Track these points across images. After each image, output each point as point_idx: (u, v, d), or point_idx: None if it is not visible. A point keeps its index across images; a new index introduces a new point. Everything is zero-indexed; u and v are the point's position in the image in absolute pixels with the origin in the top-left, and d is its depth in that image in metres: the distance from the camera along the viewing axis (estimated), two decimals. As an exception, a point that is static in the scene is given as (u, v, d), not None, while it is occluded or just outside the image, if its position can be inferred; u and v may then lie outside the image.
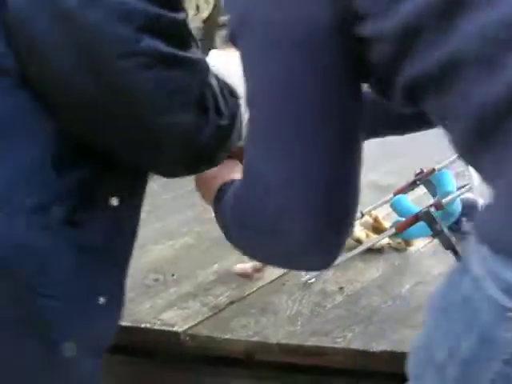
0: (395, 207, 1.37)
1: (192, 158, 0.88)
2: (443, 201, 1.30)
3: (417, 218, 1.30)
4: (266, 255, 0.87)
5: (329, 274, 1.42)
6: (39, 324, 0.80)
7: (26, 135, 0.78)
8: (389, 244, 1.52)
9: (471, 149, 0.68)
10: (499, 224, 0.63)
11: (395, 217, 1.39)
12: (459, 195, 1.32)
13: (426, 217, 1.29)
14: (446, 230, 1.31)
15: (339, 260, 1.36)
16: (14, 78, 0.77)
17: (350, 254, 1.36)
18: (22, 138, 0.78)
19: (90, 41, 0.75)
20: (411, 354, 0.76)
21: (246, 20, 0.74)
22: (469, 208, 1.44)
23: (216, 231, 1.62)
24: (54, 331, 0.81)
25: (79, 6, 0.73)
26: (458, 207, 1.35)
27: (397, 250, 1.53)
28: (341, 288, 1.41)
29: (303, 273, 1.42)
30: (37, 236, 0.79)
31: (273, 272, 1.45)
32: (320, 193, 0.74)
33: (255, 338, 1.28)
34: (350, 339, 1.28)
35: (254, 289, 1.42)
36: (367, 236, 1.49)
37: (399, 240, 1.50)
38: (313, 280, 1.42)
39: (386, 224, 1.47)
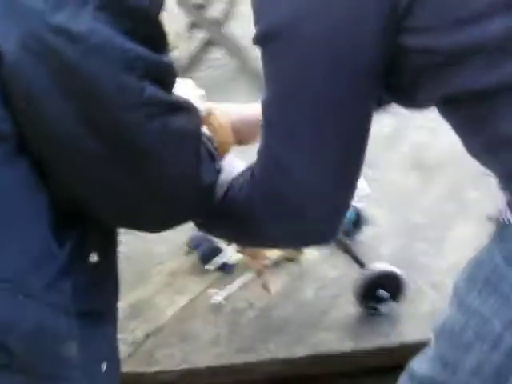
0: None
1: (191, 210, 0.87)
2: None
3: (318, 228, 1.41)
4: (280, 235, 0.94)
5: (236, 293, 1.49)
6: None
7: (27, 208, 0.74)
8: (282, 256, 1.61)
9: (496, 154, 0.84)
10: None
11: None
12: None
13: (325, 227, 1.41)
14: (342, 237, 1.44)
15: (247, 278, 1.45)
16: (12, 144, 0.73)
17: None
18: (24, 212, 0.74)
19: (93, 94, 0.71)
20: (448, 334, 0.91)
21: (289, 28, 0.80)
22: (357, 214, 1.58)
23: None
24: None
25: (80, 58, 0.70)
26: (350, 214, 1.48)
27: (290, 260, 1.63)
28: (251, 304, 1.49)
29: (211, 295, 1.49)
30: (51, 318, 0.75)
31: (181, 298, 1.50)
32: (337, 183, 0.87)
33: (183, 366, 1.32)
34: (274, 350, 1.36)
35: (168, 317, 1.46)
36: (262, 251, 1.57)
37: (293, 251, 1.60)
38: (223, 301, 1.48)
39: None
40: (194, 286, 1.54)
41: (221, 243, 1.63)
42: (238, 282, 1.45)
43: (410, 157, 2.08)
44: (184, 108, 0.80)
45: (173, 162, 0.78)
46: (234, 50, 2.94)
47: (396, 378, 1.40)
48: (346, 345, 1.36)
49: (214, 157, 0.87)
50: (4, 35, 0.70)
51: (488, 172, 0.92)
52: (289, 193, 0.85)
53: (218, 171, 0.88)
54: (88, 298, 0.81)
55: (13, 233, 0.73)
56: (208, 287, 1.53)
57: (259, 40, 0.83)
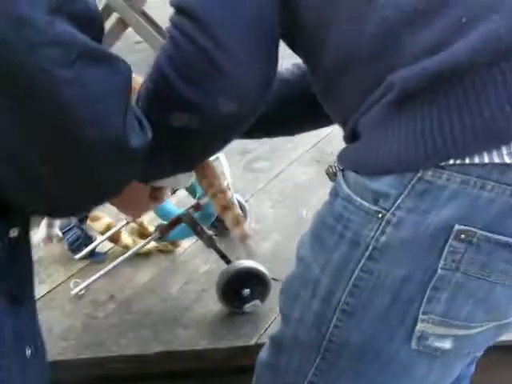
0: (157, 211, 1.41)
1: (123, 175, 0.74)
2: (201, 202, 1.36)
3: (179, 220, 1.35)
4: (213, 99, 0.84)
5: (98, 283, 1.43)
6: None
7: None
8: (156, 247, 1.55)
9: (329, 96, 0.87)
10: (363, 155, 0.80)
11: (160, 221, 1.44)
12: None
13: (186, 219, 1.35)
14: (206, 230, 1.38)
15: (107, 268, 1.39)
16: None
17: (117, 261, 1.38)
18: None
19: None
20: (284, 289, 0.91)
21: None
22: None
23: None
24: None
25: None
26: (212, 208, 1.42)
27: (164, 252, 1.57)
28: (112, 296, 1.43)
29: (72, 285, 1.42)
30: None
31: (41, 288, 1.43)
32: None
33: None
34: (125, 346, 1.30)
35: (23, 308, 1.39)
36: (134, 242, 1.51)
37: (165, 243, 1.54)
38: (83, 292, 1.41)
39: (152, 228, 1.51)
40: (58, 275, 1.48)
41: (92, 231, 1.57)
42: (100, 272, 1.38)
43: (313, 151, 2.03)
44: (106, 59, 0.66)
45: (90, 121, 0.64)
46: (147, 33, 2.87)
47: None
48: (200, 343, 1.31)
49: (143, 124, 0.72)
50: None
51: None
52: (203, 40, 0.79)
53: (148, 141, 0.74)
54: (5, 276, 0.73)
55: None
56: (72, 277, 1.47)
57: None
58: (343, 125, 0.87)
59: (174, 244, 1.56)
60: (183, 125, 0.84)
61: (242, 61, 0.81)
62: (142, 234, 1.53)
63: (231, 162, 1.80)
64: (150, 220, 1.56)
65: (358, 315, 0.81)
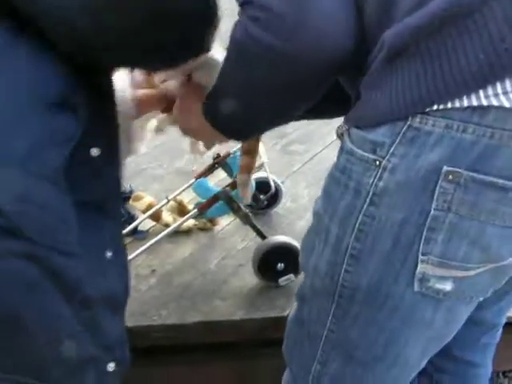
0: (196, 190, 1.48)
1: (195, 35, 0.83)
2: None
3: (216, 198, 1.42)
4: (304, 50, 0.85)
5: (140, 258, 1.51)
6: (62, 285, 0.77)
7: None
8: (196, 225, 1.63)
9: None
10: (363, 110, 0.85)
11: (199, 200, 1.51)
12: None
13: (224, 196, 1.42)
14: (242, 207, 1.44)
15: (148, 244, 1.46)
16: None
17: (158, 237, 1.45)
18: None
19: None
20: (303, 244, 0.98)
21: None
22: (262, 184, 1.58)
23: None
24: (76, 291, 0.79)
25: None
26: (251, 185, 1.49)
27: (203, 229, 1.64)
28: (153, 270, 1.50)
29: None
30: (36, 186, 0.74)
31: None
32: None
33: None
34: (166, 316, 1.38)
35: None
36: (174, 220, 1.59)
37: (205, 220, 1.61)
38: (127, 266, 1.49)
39: (191, 207, 1.58)
40: (103, 250, 1.56)
41: (134, 210, 1.65)
42: (142, 248, 1.46)
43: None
44: None
45: None
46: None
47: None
48: (237, 314, 1.38)
49: None
50: None
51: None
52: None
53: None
54: (86, 188, 0.81)
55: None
56: (116, 252, 1.55)
57: None
58: (353, 92, 0.92)
59: (213, 222, 1.64)
60: (283, 81, 0.87)
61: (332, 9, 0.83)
62: (182, 212, 1.60)
63: (268, 146, 1.88)
64: (190, 199, 1.63)
65: (364, 259, 0.87)
